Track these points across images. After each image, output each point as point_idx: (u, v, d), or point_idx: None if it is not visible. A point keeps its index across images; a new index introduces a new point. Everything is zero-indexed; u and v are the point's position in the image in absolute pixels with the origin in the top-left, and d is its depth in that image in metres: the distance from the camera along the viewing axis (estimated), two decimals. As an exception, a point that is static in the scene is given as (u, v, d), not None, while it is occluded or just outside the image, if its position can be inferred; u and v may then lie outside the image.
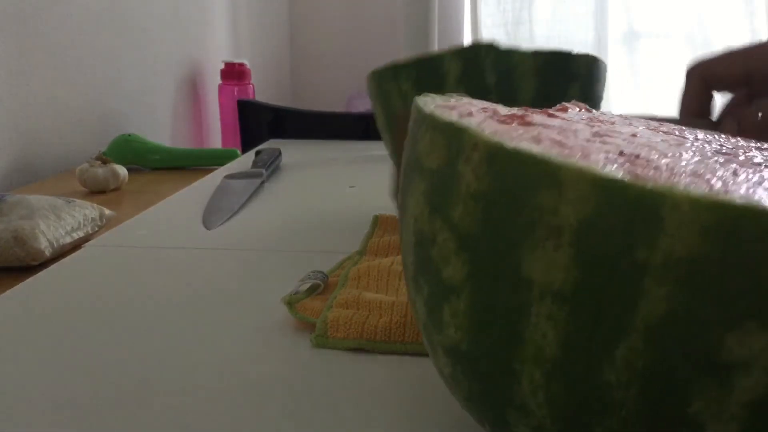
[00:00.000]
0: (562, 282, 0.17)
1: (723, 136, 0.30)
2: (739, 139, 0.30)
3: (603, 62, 0.60)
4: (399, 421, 0.32)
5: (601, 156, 0.19)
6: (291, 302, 0.42)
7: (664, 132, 0.27)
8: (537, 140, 0.20)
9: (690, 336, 0.16)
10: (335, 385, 0.35)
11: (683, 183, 0.16)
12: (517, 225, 0.18)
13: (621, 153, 0.19)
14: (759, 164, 0.22)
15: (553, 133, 0.21)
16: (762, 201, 0.15)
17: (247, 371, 0.36)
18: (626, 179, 0.16)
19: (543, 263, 0.18)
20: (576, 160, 0.17)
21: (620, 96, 2.20)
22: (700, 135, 0.29)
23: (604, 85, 0.61)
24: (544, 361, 0.18)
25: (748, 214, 0.15)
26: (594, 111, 0.32)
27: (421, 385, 0.34)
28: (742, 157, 0.23)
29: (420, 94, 0.62)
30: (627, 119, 0.31)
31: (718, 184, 0.17)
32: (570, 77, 0.57)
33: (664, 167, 0.18)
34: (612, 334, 0.17)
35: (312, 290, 0.44)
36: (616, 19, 2.22)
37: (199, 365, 0.37)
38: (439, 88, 0.57)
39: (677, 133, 0.28)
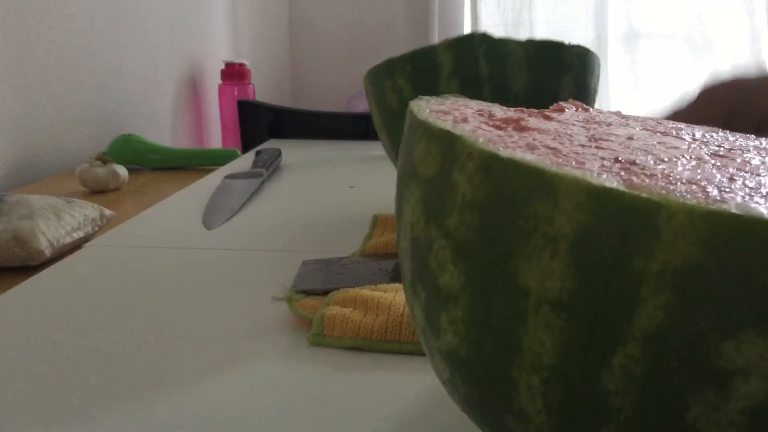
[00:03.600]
0: (559, 291, 0.17)
1: (720, 133, 0.30)
2: (737, 136, 0.30)
3: (595, 55, 0.60)
4: (395, 420, 0.32)
5: (597, 164, 0.18)
6: (291, 299, 0.43)
7: (661, 133, 0.27)
8: (532, 147, 0.20)
9: (687, 344, 0.16)
10: (331, 384, 0.35)
11: (679, 191, 0.16)
12: (512, 234, 0.18)
13: (617, 159, 0.19)
14: (756, 167, 0.21)
15: (548, 139, 0.21)
16: (757, 209, 0.15)
17: (245, 370, 0.36)
18: (622, 188, 0.16)
19: (539, 272, 0.17)
20: (571, 168, 0.17)
21: (620, 96, 2.20)
22: (698, 134, 0.28)
23: (598, 78, 0.62)
24: (541, 369, 0.18)
25: (743, 224, 0.15)
26: (591, 109, 0.32)
27: (417, 384, 0.35)
28: (739, 159, 0.22)
29: (414, 89, 0.63)
30: (624, 118, 0.31)
31: (714, 192, 0.17)
32: (563, 67, 0.58)
33: (660, 174, 0.18)
34: (609, 342, 0.17)
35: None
36: (616, 19, 2.22)
37: (198, 364, 0.37)
38: (434, 82, 0.58)
39: (674, 133, 0.28)
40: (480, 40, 0.57)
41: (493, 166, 0.18)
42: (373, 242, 0.55)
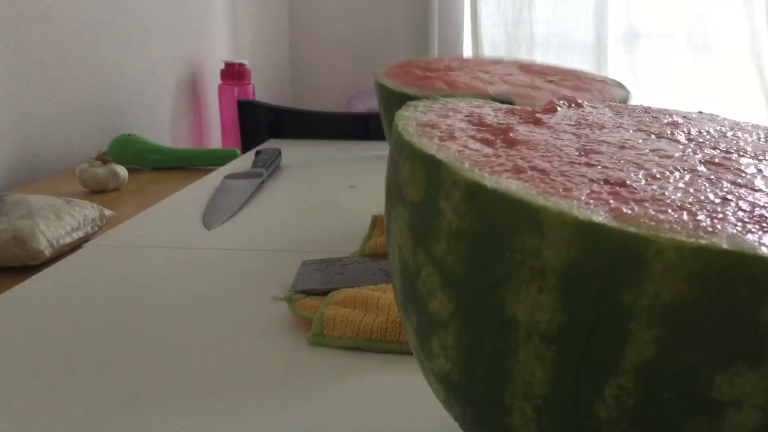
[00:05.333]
0: (548, 323, 0.17)
1: (719, 127, 0.30)
2: (734, 129, 0.30)
3: (627, 94, 0.58)
4: (396, 420, 0.32)
5: (585, 189, 0.18)
6: (291, 299, 0.43)
7: (655, 135, 0.27)
8: (519, 171, 0.19)
9: (680, 377, 0.16)
10: (331, 384, 0.35)
11: (668, 222, 0.16)
12: (500, 266, 0.18)
13: (606, 181, 0.19)
14: (752, 176, 0.21)
15: (537, 157, 0.21)
16: (748, 243, 0.15)
17: (245, 370, 0.36)
18: (609, 223, 0.16)
19: (528, 305, 0.17)
20: (558, 198, 0.17)
21: (620, 96, 2.20)
22: (693, 131, 0.28)
23: None
24: (534, 397, 0.18)
25: (733, 259, 0.15)
26: (584, 104, 0.31)
27: (417, 384, 0.35)
28: (734, 167, 0.22)
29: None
30: (618, 114, 0.30)
31: (706, 221, 0.16)
32: None
33: (650, 199, 0.18)
34: (601, 373, 0.17)
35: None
36: (616, 19, 2.22)
37: (198, 364, 0.37)
38: None
39: (669, 132, 0.27)
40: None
41: (479, 195, 0.18)
42: (373, 242, 0.55)
